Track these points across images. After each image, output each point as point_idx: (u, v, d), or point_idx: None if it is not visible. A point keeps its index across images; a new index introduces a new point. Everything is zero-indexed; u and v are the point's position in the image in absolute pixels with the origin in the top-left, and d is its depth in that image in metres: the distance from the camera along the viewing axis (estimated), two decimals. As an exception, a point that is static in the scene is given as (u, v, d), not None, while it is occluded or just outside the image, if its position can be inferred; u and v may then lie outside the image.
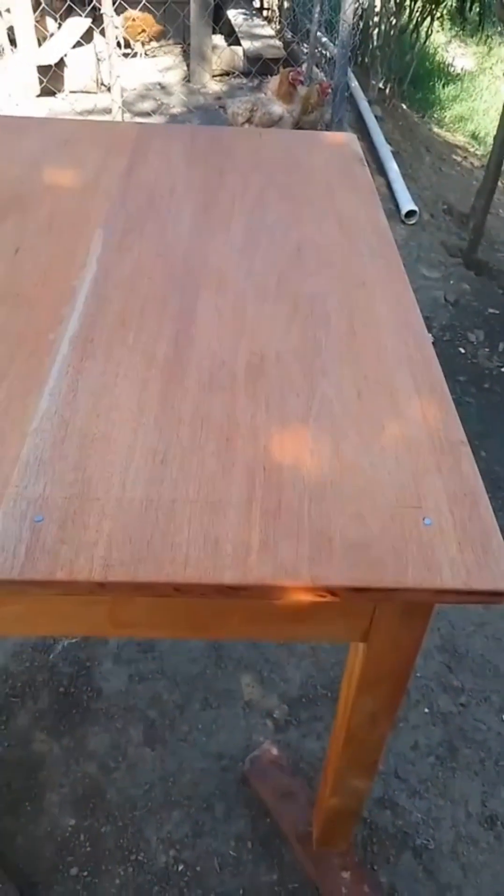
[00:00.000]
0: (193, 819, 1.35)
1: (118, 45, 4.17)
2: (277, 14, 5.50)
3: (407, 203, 3.43)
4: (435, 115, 5.67)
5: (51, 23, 4.52)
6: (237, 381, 0.80)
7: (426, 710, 1.55)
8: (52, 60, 3.97)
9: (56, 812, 1.35)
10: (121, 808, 1.36)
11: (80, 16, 4.37)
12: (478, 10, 4.99)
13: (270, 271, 1.02)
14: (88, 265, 0.98)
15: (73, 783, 1.38)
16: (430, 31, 5.04)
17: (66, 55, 4.15)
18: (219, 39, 4.94)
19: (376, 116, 4.29)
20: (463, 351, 2.73)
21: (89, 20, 4.33)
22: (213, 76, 4.69)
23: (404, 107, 5.22)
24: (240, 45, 4.70)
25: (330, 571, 0.60)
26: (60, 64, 4.12)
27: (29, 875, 1.27)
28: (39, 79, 4.06)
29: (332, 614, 0.71)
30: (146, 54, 4.93)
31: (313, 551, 0.62)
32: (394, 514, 0.66)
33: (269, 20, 5.45)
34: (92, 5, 4.11)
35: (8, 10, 4.08)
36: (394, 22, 4.65)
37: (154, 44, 4.97)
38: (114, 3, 3.34)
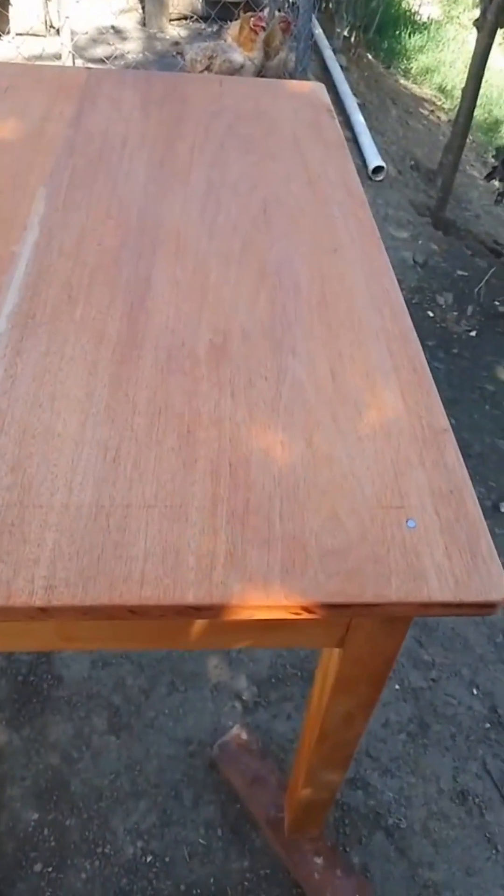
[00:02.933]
0: (161, 808, 1.31)
1: (67, -18, 3.89)
2: (237, -48, 5.21)
3: (374, 158, 3.31)
4: (401, 66, 5.49)
5: (-7, -44, 4.19)
6: (198, 364, 0.72)
7: (397, 687, 1.53)
8: (-4, -2, 3.68)
9: (18, 806, 1.29)
10: (86, 800, 1.31)
11: None
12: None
13: (234, 234, 0.92)
14: (30, 228, 0.88)
15: (35, 775, 1.33)
16: (396, -26, 4.84)
17: (10, -8, 3.86)
18: (176, -21, 4.66)
19: (341, 66, 4.12)
20: (431, 315, 2.66)
21: (35, -46, 4.02)
22: (171, 20, 4.43)
23: (370, 56, 5.04)
24: (198, -15, 4.44)
25: (305, 585, 0.54)
26: (5, 3, 3.83)
27: (-11, 873, 1.22)
28: (-19, 18, 3.77)
29: (306, 623, 0.64)
30: (98, -7, 4.62)
31: (286, 561, 0.55)
32: (374, 514, 0.59)
33: (228, -41, 5.16)
34: None
35: None
36: (359, -37, 4.44)
37: (106, -18, 4.66)
38: None
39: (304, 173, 1.07)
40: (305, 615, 0.53)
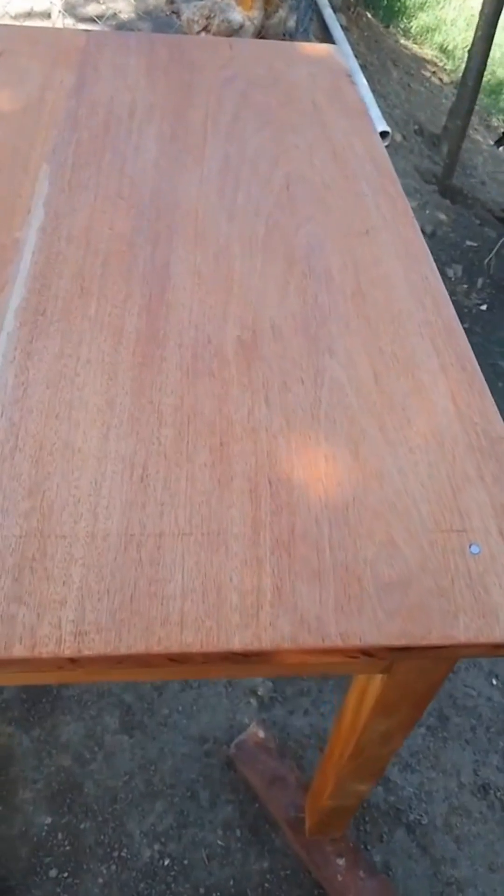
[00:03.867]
0: (178, 809, 1.28)
1: None
2: None
3: (379, 123, 3.19)
4: (401, 25, 5.30)
5: None
6: (227, 365, 0.65)
7: (416, 679, 1.49)
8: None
9: (30, 810, 1.25)
10: (100, 802, 1.27)
11: None
12: None
13: (256, 216, 0.85)
14: (34, 212, 0.80)
15: (47, 778, 1.29)
16: None
17: None
18: None
19: (341, 25, 3.95)
20: (441, 288, 2.58)
21: None
22: (164, -24, 4.23)
23: (369, 15, 4.86)
24: None
25: (363, 625, 0.48)
26: (-11, -43, 3.64)
27: (3, 879, 1.19)
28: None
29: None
30: None
31: (340, 596, 0.49)
32: (433, 539, 0.53)
33: None
34: None
35: None
36: None
37: None
38: None
39: (327, 146, 0.99)
40: (364, 658, 0.48)
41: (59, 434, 0.57)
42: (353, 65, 3.63)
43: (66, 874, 1.20)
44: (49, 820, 1.25)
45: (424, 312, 0.73)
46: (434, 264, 0.80)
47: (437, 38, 5.35)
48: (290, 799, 1.25)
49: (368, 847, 1.28)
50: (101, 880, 1.20)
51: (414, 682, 0.64)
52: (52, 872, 1.20)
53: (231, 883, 1.22)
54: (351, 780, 0.92)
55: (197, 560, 0.50)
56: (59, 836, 1.24)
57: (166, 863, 1.22)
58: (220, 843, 1.25)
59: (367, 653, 0.48)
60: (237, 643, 0.46)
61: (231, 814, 1.28)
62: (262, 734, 1.32)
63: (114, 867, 1.21)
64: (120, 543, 0.51)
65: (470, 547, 0.53)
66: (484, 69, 2.94)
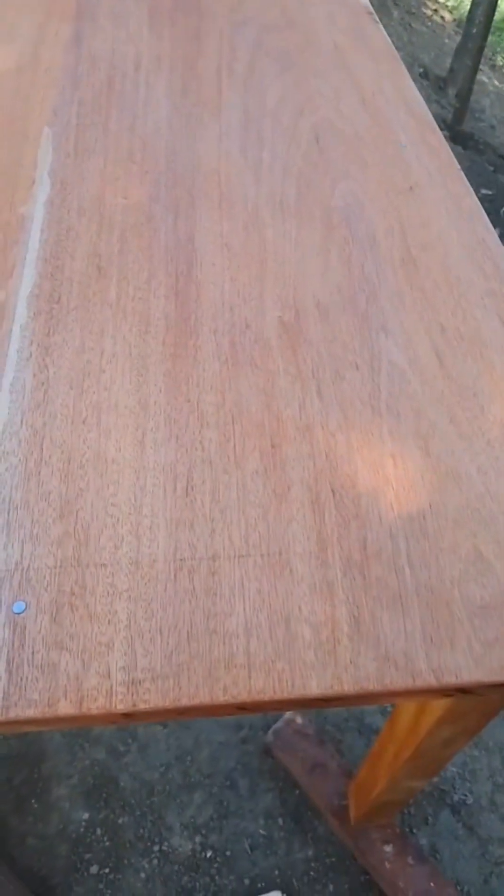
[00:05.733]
0: (217, 799, 1.25)
1: None
2: None
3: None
4: (401, -42, 5.02)
5: None
6: (270, 351, 0.57)
7: (454, 655, 1.44)
8: None
9: (67, 806, 1.22)
10: (137, 795, 1.24)
11: None
12: None
13: (285, 175, 0.76)
14: (38, 183, 0.71)
15: (82, 773, 1.25)
16: None
17: None
18: None
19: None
20: (459, 241, 2.46)
21: None
22: None
23: None
24: None
25: (457, 660, 0.41)
26: None
27: (45, 878, 1.16)
28: None
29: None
30: None
31: (428, 625, 0.43)
32: (526, 548, 0.46)
33: None
34: None
35: None
36: None
37: None
38: None
39: (355, 91, 0.90)
40: (459, 696, 0.41)
41: (88, 443, 0.50)
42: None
43: (107, 870, 1.18)
44: (86, 815, 1.22)
45: (486, 281, 0.65)
46: (490, 224, 0.72)
47: (438, -27, 5.09)
48: (332, 786, 1.21)
49: (414, 830, 1.25)
50: (143, 875, 1.17)
51: (486, 693, 0.58)
52: (93, 869, 1.18)
53: (276, 872, 1.19)
54: (406, 778, 0.87)
55: (259, 587, 0.44)
56: (98, 831, 1.21)
57: (209, 855, 1.20)
58: (262, 832, 1.22)
59: (465, 690, 0.41)
60: (315, 687, 0.40)
61: (272, 802, 1.25)
62: (299, 720, 1.28)
63: (155, 861, 1.19)
64: (169, 570, 0.44)
65: None
66: (496, 3, 2.76)
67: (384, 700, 0.40)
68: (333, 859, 1.20)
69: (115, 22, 0.97)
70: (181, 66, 0.90)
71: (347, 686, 0.40)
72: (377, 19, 1.07)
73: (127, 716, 0.39)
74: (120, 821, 1.22)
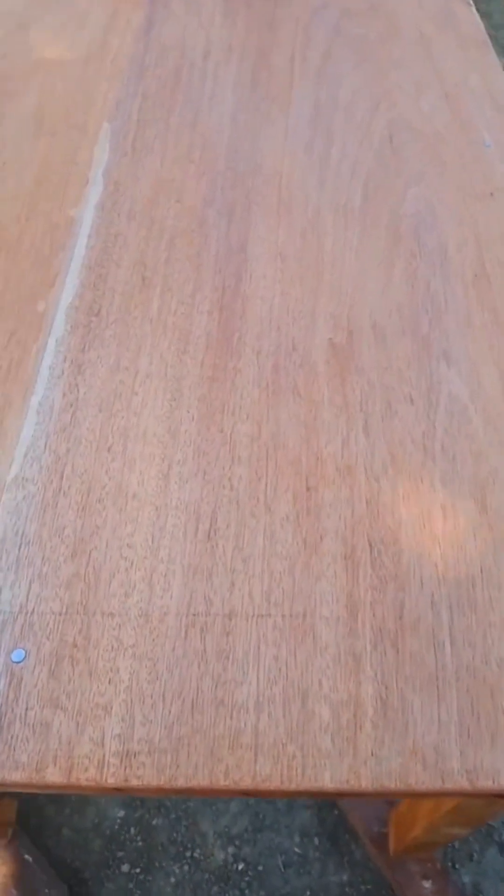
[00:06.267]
0: (253, 811, 1.22)
1: None
2: None
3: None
4: None
5: None
6: (316, 378, 0.52)
7: None
8: None
9: (103, 802, 1.23)
10: (173, 799, 1.23)
11: None
12: None
13: (353, 177, 0.70)
14: (92, 183, 0.68)
15: (120, 769, 1.25)
16: None
17: None
18: None
19: None
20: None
21: None
22: None
23: None
24: None
25: (497, 759, 0.36)
26: None
27: (78, 871, 1.17)
28: None
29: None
30: None
31: (466, 715, 0.37)
32: None
33: None
34: None
35: None
36: None
37: None
38: None
39: (438, 85, 0.82)
40: (492, 798, 0.36)
41: (110, 474, 0.47)
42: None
43: (138, 870, 1.17)
44: (122, 813, 1.22)
45: None
46: None
47: None
48: (373, 812, 1.16)
49: (457, 866, 1.19)
50: (173, 879, 1.17)
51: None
52: (125, 867, 1.18)
53: (308, 893, 1.16)
54: (445, 826, 0.81)
55: (276, 653, 0.39)
56: (132, 830, 1.21)
57: (240, 867, 1.17)
58: (297, 850, 1.19)
59: (501, 794, 0.36)
60: (328, 780, 0.35)
61: (308, 820, 1.21)
62: (343, 739, 1.23)
63: (186, 867, 1.17)
64: (180, 626, 0.40)
65: None
66: None
67: (405, 796, 0.35)
68: (369, 887, 1.16)
69: (188, 7, 0.92)
70: (253, 56, 0.85)
71: (365, 782, 0.35)
72: (471, 1, 0.99)
73: (119, 789, 0.36)
74: (154, 822, 1.21)
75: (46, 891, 1.04)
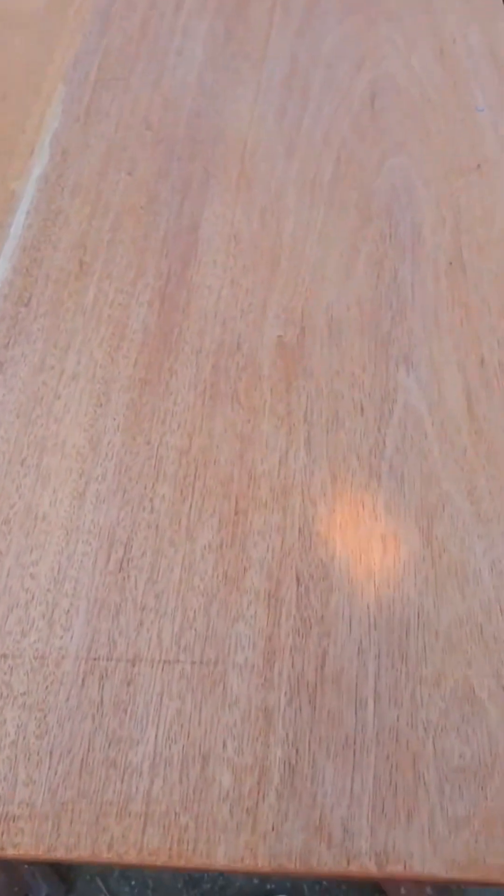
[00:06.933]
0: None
1: None
2: None
3: None
4: None
5: None
6: (259, 382, 0.47)
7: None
8: None
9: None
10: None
11: None
12: None
13: (325, 145, 0.63)
14: (37, 153, 0.63)
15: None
16: None
17: None
18: None
19: None
20: None
21: None
22: None
23: None
24: None
25: (411, 842, 0.32)
26: None
27: (77, 870, 1.18)
28: None
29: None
30: None
31: (382, 787, 0.33)
32: (536, 690, 0.36)
33: None
34: None
35: None
36: None
37: None
38: None
39: (432, 40, 0.74)
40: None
41: (21, 491, 0.43)
42: None
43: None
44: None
45: (551, 297, 0.51)
46: None
47: None
48: None
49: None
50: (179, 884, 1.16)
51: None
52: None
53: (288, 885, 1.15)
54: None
55: (180, 707, 0.36)
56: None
57: (270, 886, 1.16)
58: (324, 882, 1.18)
59: (415, 881, 0.32)
60: (220, 857, 0.32)
61: None
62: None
63: (219, 879, 1.17)
64: (77, 672, 0.37)
65: None
66: None
67: (310, 876, 0.32)
68: None
69: (164, -50, 0.84)
70: (230, 6, 0.77)
71: (262, 861, 0.32)
72: None
73: (-7, 858, 0.32)
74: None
75: (46, 891, 1.05)
